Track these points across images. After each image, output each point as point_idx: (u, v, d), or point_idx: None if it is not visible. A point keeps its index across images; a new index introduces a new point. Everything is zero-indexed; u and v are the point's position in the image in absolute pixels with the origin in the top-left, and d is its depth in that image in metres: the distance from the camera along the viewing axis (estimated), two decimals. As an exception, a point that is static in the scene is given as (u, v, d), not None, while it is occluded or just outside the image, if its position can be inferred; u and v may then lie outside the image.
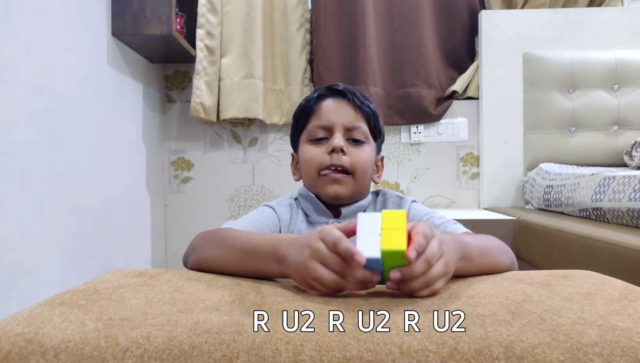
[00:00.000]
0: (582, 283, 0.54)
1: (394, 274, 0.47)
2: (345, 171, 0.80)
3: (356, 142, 0.82)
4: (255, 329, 0.40)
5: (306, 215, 0.86)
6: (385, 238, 0.47)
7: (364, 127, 0.83)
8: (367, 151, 0.83)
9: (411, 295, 0.49)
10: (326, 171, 0.80)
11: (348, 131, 0.82)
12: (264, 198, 1.99)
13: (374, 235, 0.48)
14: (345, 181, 0.80)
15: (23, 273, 1.07)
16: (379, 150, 0.90)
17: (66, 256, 1.24)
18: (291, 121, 2.06)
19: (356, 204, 0.84)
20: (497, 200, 1.93)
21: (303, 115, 0.86)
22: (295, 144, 0.91)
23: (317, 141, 0.83)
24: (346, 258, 0.47)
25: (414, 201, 0.86)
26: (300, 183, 0.91)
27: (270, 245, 0.57)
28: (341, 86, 0.85)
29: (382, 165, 0.92)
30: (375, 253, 0.46)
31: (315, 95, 0.86)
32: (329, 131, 0.82)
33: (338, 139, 0.79)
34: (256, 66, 1.81)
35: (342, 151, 0.79)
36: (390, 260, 0.47)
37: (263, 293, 0.52)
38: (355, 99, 0.83)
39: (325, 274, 0.49)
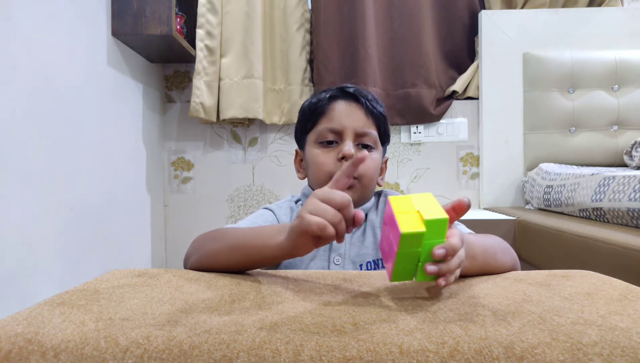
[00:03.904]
0: (582, 283, 0.54)
1: (439, 251, 0.45)
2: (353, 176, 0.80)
3: (365, 147, 0.82)
4: (255, 329, 0.40)
5: None
6: (425, 211, 0.46)
7: (374, 133, 0.82)
8: (375, 157, 0.82)
9: (426, 290, 0.49)
10: None
11: (358, 136, 0.81)
12: (264, 198, 1.99)
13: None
14: (354, 186, 0.79)
15: (23, 273, 1.07)
16: (384, 153, 0.89)
17: (66, 256, 1.24)
18: (291, 121, 2.06)
19: (360, 208, 0.83)
20: (497, 200, 1.93)
21: (313, 114, 0.84)
22: (301, 141, 0.89)
23: (326, 144, 0.81)
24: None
25: None
26: (302, 182, 0.91)
27: (274, 227, 0.59)
28: (352, 89, 0.84)
29: (386, 167, 0.92)
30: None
31: (328, 95, 0.84)
32: (339, 135, 0.81)
33: (348, 147, 0.78)
34: (256, 66, 1.81)
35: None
36: (432, 232, 0.46)
37: (263, 293, 0.52)
38: (368, 103, 0.82)
39: (327, 207, 0.50)
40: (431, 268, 0.46)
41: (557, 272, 0.61)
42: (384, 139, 0.86)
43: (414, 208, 0.47)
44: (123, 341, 0.38)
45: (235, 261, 0.61)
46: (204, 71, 1.77)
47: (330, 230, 0.48)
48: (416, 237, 0.45)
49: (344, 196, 0.50)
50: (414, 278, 0.49)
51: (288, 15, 1.89)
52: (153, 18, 1.51)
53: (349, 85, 0.86)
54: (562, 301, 0.47)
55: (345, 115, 0.81)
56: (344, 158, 0.78)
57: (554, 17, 1.92)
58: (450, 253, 0.46)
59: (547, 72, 1.87)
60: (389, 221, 0.49)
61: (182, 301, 0.47)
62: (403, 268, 0.48)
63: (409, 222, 0.46)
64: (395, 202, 0.49)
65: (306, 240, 0.52)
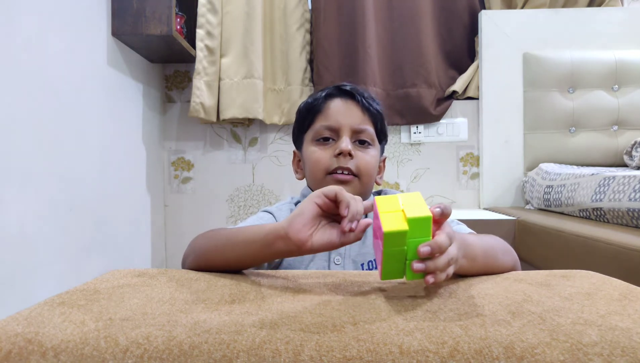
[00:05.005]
0: (582, 283, 0.54)
1: (423, 248, 0.45)
2: (351, 173, 0.80)
3: (362, 144, 0.82)
4: (255, 329, 0.40)
5: None
6: (409, 210, 0.46)
7: (371, 130, 0.82)
8: (372, 153, 0.82)
9: (423, 286, 0.50)
10: (333, 174, 0.80)
11: (355, 133, 0.81)
12: (264, 198, 1.99)
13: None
14: (351, 182, 0.79)
15: (23, 273, 1.07)
16: (382, 152, 0.89)
17: (66, 256, 1.24)
18: (291, 121, 2.06)
19: None
20: (497, 200, 1.93)
21: (309, 113, 0.84)
22: (298, 141, 0.89)
23: (323, 141, 0.82)
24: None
25: None
26: (302, 182, 0.91)
27: (271, 224, 0.59)
28: (349, 87, 0.84)
29: (384, 166, 0.92)
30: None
31: (323, 94, 0.84)
32: (336, 132, 0.81)
33: (345, 143, 0.79)
34: (256, 66, 1.81)
35: (350, 154, 0.79)
36: (416, 230, 0.46)
37: (263, 293, 0.52)
38: (364, 101, 0.82)
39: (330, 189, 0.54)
40: (417, 265, 0.46)
41: (557, 272, 0.61)
42: (381, 137, 0.86)
43: (399, 207, 0.48)
44: (123, 341, 0.38)
45: (229, 257, 0.61)
46: (204, 71, 1.77)
47: (346, 195, 0.52)
48: (399, 235, 0.46)
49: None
50: (404, 277, 0.49)
51: (288, 15, 1.89)
52: (153, 18, 1.51)
53: (345, 83, 0.86)
54: (562, 301, 0.47)
55: (342, 112, 0.82)
56: (340, 153, 0.79)
57: (554, 17, 1.92)
58: (437, 250, 0.46)
59: (547, 72, 1.87)
60: (376, 221, 0.49)
61: (182, 301, 0.47)
62: (392, 267, 0.48)
63: (392, 221, 0.46)
64: (381, 201, 0.49)
65: (307, 215, 0.53)
